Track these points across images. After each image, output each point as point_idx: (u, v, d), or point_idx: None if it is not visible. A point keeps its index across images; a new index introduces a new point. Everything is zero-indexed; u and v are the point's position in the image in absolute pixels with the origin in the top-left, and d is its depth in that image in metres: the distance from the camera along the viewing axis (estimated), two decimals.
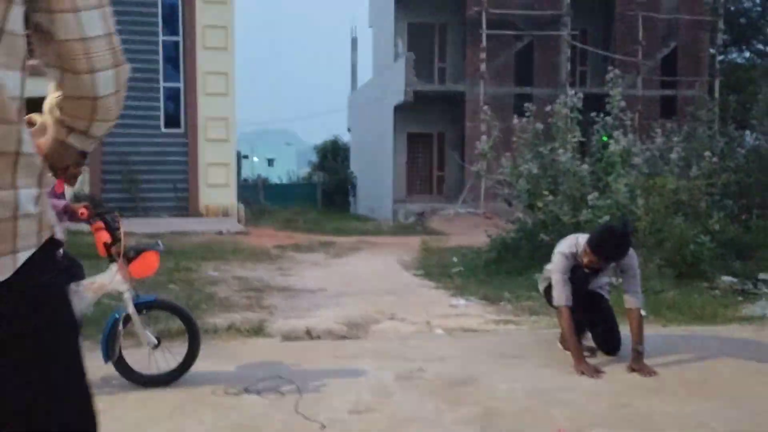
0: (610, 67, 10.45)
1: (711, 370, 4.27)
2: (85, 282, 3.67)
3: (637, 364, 4.22)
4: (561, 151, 9.10)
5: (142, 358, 3.85)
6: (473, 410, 3.54)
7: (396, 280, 8.42)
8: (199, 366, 3.96)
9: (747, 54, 26.99)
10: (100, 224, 3.69)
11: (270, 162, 64.64)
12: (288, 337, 5.22)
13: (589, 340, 4.71)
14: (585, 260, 4.36)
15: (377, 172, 22.79)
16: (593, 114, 9.61)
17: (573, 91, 10.02)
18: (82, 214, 3.64)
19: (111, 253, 3.69)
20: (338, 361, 4.49)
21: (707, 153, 9.44)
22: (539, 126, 9.59)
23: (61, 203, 3.63)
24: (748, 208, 10.49)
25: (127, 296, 3.72)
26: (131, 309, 3.73)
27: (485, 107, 12.12)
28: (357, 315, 6.00)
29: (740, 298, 6.76)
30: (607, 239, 4.30)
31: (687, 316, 5.97)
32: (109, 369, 3.79)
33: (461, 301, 6.84)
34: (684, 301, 6.45)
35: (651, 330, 5.06)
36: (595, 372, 4.16)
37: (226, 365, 4.30)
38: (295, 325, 5.49)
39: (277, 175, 42.40)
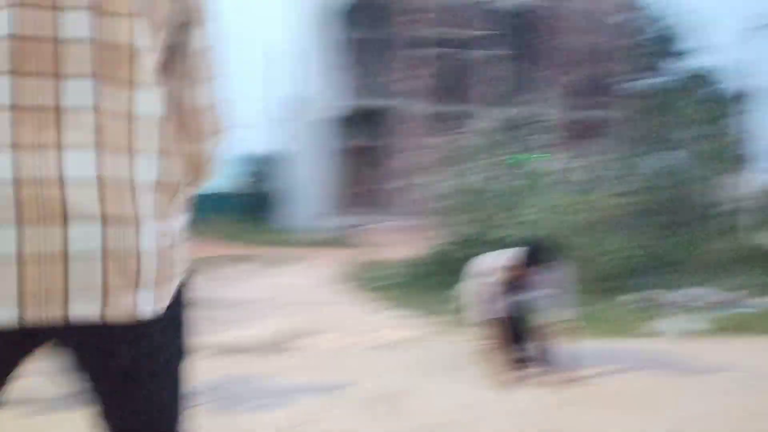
0: (533, 89, 10.78)
1: (631, 382, 4.44)
2: None
3: (561, 377, 4.35)
4: (485, 168, 9.33)
5: None
6: (404, 424, 3.56)
7: (326, 293, 8.40)
8: None
9: (660, 80, 28.44)
10: None
11: None
12: (216, 350, 5.12)
13: (517, 353, 4.82)
14: (511, 273, 4.48)
15: (308, 184, 22.70)
16: (516, 133, 9.89)
17: (497, 111, 10.29)
18: None
19: None
20: (268, 375, 4.44)
21: (625, 173, 9.86)
22: (464, 143, 9.79)
23: None
24: (665, 226, 11.02)
25: None
26: None
27: (414, 123, 12.29)
28: (287, 328, 5.95)
29: (657, 313, 7.08)
30: (530, 252, 4.44)
31: (607, 329, 6.19)
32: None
33: (392, 314, 6.88)
34: (604, 315, 6.71)
35: (573, 343, 5.22)
36: (522, 384, 4.26)
37: None
38: (223, 339, 5.39)
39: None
